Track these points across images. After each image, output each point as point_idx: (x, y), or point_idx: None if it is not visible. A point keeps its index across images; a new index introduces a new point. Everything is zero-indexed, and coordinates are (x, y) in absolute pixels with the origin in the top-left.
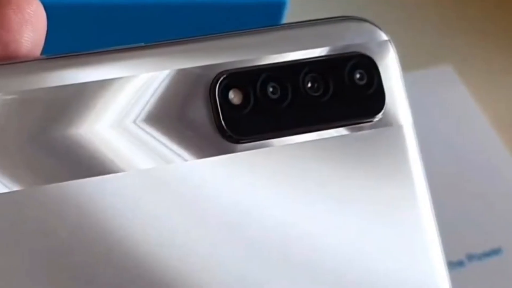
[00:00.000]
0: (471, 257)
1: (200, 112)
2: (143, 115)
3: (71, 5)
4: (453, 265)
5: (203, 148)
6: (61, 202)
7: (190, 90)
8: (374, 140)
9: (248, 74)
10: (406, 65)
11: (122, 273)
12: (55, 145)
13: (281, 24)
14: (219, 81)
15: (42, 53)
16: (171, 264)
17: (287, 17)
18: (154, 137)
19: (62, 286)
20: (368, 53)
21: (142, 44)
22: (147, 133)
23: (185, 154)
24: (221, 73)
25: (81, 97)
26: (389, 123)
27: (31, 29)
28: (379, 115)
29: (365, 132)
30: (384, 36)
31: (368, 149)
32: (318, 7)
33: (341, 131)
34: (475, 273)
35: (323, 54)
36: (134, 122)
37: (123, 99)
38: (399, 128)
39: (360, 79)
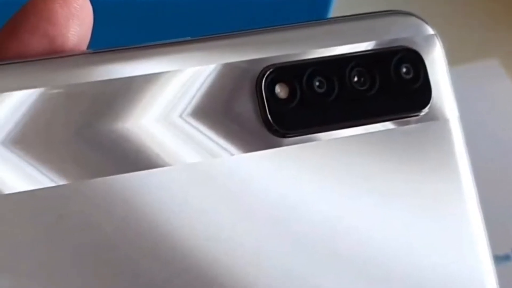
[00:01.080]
0: None
1: (246, 106)
2: (189, 109)
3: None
4: (499, 259)
5: (249, 142)
6: (107, 196)
7: (236, 84)
8: (420, 134)
9: (295, 68)
10: (452, 59)
11: (168, 268)
12: (101, 139)
13: (327, 18)
14: (265, 75)
15: (88, 47)
16: (217, 259)
17: (334, 11)
18: (201, 131)
19: (108, 281)
20: (414, 47)
21: (189, 38)
22: (194, 127)
23: (231, 148)
24: (267, 67)
25: (127, 91)
26: (435, 117)
27: (78, 23)
28: (426, 109)
29: (412, 126)
30: (430, 30)
31: (414, 143)
32: (365, 1)
33: (388, 125)
34: None
35: (369, 48)
36: (181, 116)
37: (170, 93)
38: (445, 122)
39: (407, 73)
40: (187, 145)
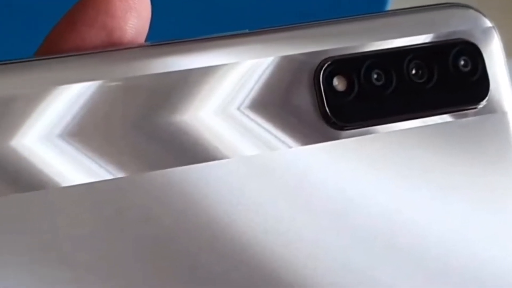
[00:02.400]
0: None
1: (304, 99)
2: (247, 102)
3: None
4: None
5: (307, 135)
6: (165, 189)
7: (294, 77)
8: (478, 127)
9: (353, 61)
10: (510, 51)
11: (226, 260)
12: (159, 132)
13: (385, 11)
14: (323, 68)
15: (146, 40)
16: (275, 251)
17: (392, 3)
18: (259, 124)
19: (166, 273)
20: (472, 40)
21: (247, 30)
22: (252, 120)
23: (289, 141)
24: (325, 60)
25: (185, 84)
26: (494, 110)
27: (136, 16)
28: (484, 102)
29: (469, 119)
30: (488, 23)
31: (472, 135)
32: None
33: (445, 118)
34: None
35: (427, 41)
36: (239, 109)
37: (228, 85)
38: (503, 114)
39: (465, 65)
40: (245, 138)
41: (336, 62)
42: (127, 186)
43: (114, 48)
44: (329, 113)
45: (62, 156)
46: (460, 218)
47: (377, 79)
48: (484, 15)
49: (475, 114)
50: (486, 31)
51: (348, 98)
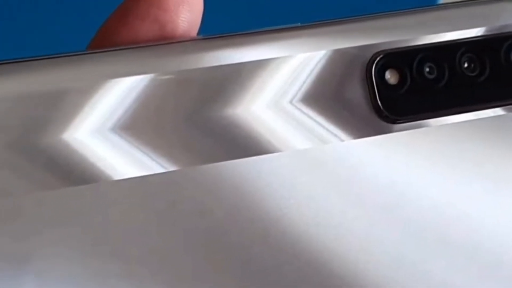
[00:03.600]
0: None
1: (356, 92)
2: (299, 95)
3: None
4: None
5: (359, 128)
6: (217, 182)
7: (346, 70)
8: None
9: (405, 54)
10: None
11: (278, 254)
12: (211, 125)
13: (437, 4)
14: (375, 61)
15: (198, 33)
16: (327, 245)
17: None
18: (311, 117)
19: (218, 267)
20: None
21: (299, 24)
22: (304, 113)
23: (341, 134)
24: (377, 53)
25: (237, 77)
26: None
27: (188, 9)
28: None
29: None
30: None
31: None
32: None
33: (498, 111)
34: None
35: (479, 34)
36: (291, 102)
37: (280, 79)
38: None
39: None
40: (297, 131)
41: (389, 56)
42: (179, 180)
43: (166, 41)
44: (381, 107)
45: (114, 150)
46: None
47: (429, 73)
48: None
49: None
50: None
51: (400, 91)
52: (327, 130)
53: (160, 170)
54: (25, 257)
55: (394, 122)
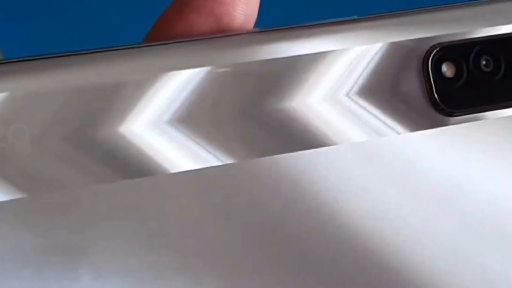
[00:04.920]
0: None
1: (412, 85)
2: (356, 88)
3: None
4: None
5: (415, 121)
6: (274, 175)
7: (402, 63)
8: None
9: (462, 47)
10: None
11: (335, 247)
12: (267, 118)
13: None
14: (432, 54)
15: (255, 26)
16: (384, 238)
17: None
18: (367, 110)
19: (274, 260)
20: None
21: (355, 17)
22: (360, 106)
23: (398, 127)
24: (434, 46)
25: (294, 70)
26: None
27: (244, 2)
28: None
29: None
30: None
31: None
32: None
33: None
34: None
35: None
36: (347, 95)
37: (336, 72)
38: None
39: None
40: (354, 124)
41: (445, 49)
42: (236, 173)
43: (222, 34)
44: (437, 100)
45: (171, 143)
46: None
47: (485, 65)
48: None
49: None
50: None
51: (456, 84)
52: (384, 123)
53: (217, 163)
54: (82, 250)
55: (451, 115)
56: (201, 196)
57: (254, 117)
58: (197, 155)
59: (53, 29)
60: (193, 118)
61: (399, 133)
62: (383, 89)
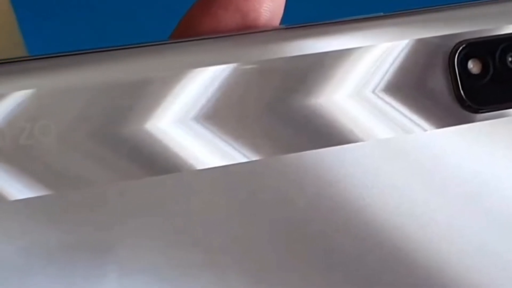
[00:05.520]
0: None
1: (438, 82)
2: (382, 84)
3: None
4: None
5: (442, 118)
6: (300, 172)
7: (428, 60)
8: None
9: (488, 44)
10: None
11: (361, 243)
12: (294, 115)
13: None
14: (458, 51)
15: (281, 23)
16: (410, 234)
17: None
18: (393, 107)
19: (300, 256)
20: None
21: (381, 14)
22: (386, 102)
23: (424, 124)
24: (460, 43)
25: (320, 67)
26: None
27: None
28: None
29: None
30: None
31: None
32: None
33: None
34: None
35: None
36: (373, 91)
37: (362, 68)
38: None
39: None
40: (380, 121)
41: (471, 45)
42: (262, 169)
43: (249, 31)
44: (463, 96)
45: (197, 139)
46: None
47: None
48: None
49: None
50: None
51: (482, 81)
52: (410, 119)
53: (243, 159)
54: (109, 247)
55: (477, 111)
56: (227, 193)
57: (280, 114)
58: (223, 152)
59: (79, 25)
60: (219, 115)
61: (425, 130)
62: (409, 86)
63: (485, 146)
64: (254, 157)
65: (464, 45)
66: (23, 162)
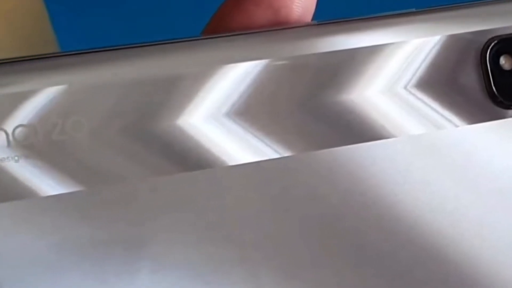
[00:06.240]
0: None
1: (470, 78)
2: (414, 80)
3: None
4: None
5: (473, 113)
6: (332, 168)
7: (460, 56)
8: None
9: None
10: None
11: (393, 239)
12: (325, 111)
13: None
14: (490, 47)
15: (312, 19)
16: (442, 230)
17: None
18: (425, 103)
19: (332, 252)
20: None
21: (413, 9)
22: (418, 98)
23: (455, 119)
24: (492, 39)
25: (351, 63)
26: None
27: None
28: None
29: None
30: None
31: None
32: None
33: None
34: None
35: None
36: (405, 87)
37: (394, 64)
38: None
39: None
40: (412, 117)
41: (503, 41)
42: (294, 165)
43: (280, 27)
44: (495, 92)
45: (229, 135)
46: None
47: None
48: None
49: None
50: None
51: None
52: (441, 115)
53: (275, 155)
54: (141, 243)
55: (509, 107)
56: (259, 189)
57: (312, 110)
58: (255, 148)
59: (111, 21)
60: (251, 111)
61: (457, 126)
62: (441, 82)
63: None
64: (286, 153)
65: (496, 41)
66: (56, 158)
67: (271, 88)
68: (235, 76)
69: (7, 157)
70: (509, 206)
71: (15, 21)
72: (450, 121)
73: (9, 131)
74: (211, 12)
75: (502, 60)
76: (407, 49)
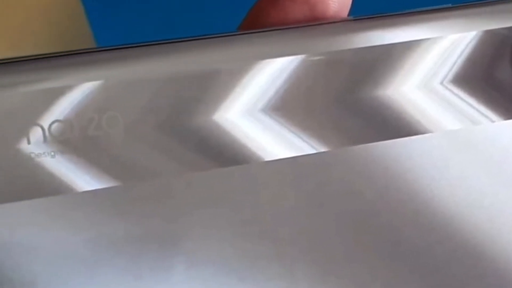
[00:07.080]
0: None
1: (506, 73)
2: (450, 76)
3: None
4: None
5: (509, 109)
6: (368, 163)
7: (496, 51)
8: None
9: None
10: None
11: (429, 235)
12: (361, 106)
13: None
14: None
15: (349, 14)
16: (479, 226)
17: None
18: (461, 98)
19: (368, 248)
20: None
21: (449, 5)
22: (454, 94)
23: (492, 115)
24: None
25: (388, 58)
26: None
27: None
28: None
29: None
30: None
31: None
32: None
33: None
34: None
35: None
36: (441, 83)
37: (431, 60)
38: None
39: None
40: (448, 112)
41: None
42: (330, 161)
43: (317, 22)
44: None
45: (265, 131)
46: None
47: None
48: None
49: None
50: None
51: None
52: (478, 111)
53: (311, 151)
54: (176, 239)
55: None
56: (295, 184)
57: (348, 105)
58: (291, 143)
59: (147, 17)
60: (287, 106)
61: (493, 121)
62: (477, 77)
63: None
64: (322, 149)
65: None
66: (91, 153)
67: (307, 84)
68: (271, 71)
69: (44, 153)
70: None
71: (51, 17)
72: (486, 116)
73: (46, 126)
74: (248, 8)
75: None
76: (443, 44)
